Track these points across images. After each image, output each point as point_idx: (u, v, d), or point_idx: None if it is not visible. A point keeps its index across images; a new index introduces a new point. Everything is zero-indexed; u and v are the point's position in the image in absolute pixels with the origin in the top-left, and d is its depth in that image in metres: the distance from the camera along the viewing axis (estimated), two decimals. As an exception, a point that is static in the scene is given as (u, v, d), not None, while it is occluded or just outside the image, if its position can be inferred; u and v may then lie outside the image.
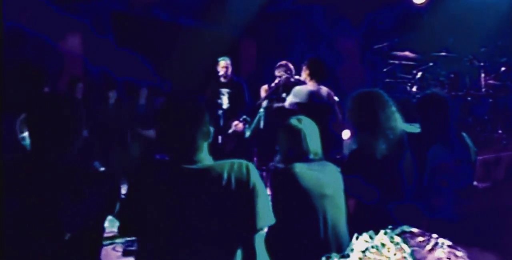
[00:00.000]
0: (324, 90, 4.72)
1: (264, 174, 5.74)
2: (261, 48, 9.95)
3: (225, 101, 6.44)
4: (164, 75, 7.96)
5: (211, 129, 1.92)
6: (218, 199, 1.77)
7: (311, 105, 4.53)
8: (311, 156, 2.59)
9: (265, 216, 1.83)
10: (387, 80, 7.17)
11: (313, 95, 4.59)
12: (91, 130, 6.65)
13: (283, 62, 6.36)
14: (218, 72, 6.49)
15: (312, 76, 4.71)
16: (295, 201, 2.43)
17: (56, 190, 1.72)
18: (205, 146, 1.89)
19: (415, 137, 2.87)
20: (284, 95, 5.92)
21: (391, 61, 7.14)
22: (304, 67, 4.77)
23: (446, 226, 2.56)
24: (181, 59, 8.09)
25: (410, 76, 6.87)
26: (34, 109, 1.83)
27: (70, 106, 1.85)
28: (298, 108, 4.68)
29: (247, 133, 5.15)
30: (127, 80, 7.38)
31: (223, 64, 6.50)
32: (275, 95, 6.15)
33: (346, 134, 5.51)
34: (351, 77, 8.15)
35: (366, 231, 2.50)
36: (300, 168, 2.51)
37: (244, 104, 6.62)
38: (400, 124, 2.79)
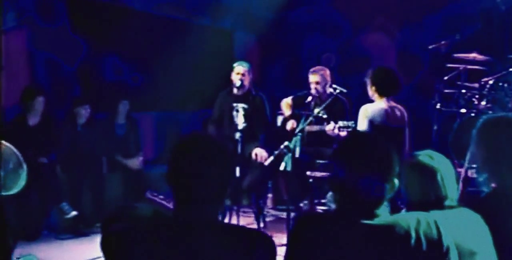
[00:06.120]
0: (398, 109, 4.96)
1: (285, 215, 5.93)
2: (264, 45, 10.16)
3: (240, 120, 6.49)
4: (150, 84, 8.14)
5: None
6: None
7: (384, 129, 4.74)
8: (448, 202, 2.84)
9: None
10: (446, 91, 7.34)
11: (385, 117, 4.80)
12: (56, 160, 6.74)
13: (318, 67, 6.64)
14: (233, 82, 6.64)
15: (380, 91, 4.93)
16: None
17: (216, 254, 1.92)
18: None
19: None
20: (317, 111, 6.13)
21: (450, 66, 7.27)
22: (368, 81, 4.98)
23: None
24: (163, 60, 8.22)
25: (477, 85, 7.03)
26: (180, 158, 2.00)
27: (222, 152, 2.03)
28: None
29: (288, 165, 5.34)
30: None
31: (240, 71, 6.62)
32: (307, 111, 6.38)
33: None
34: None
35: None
36: (438, 218, 2.74)
37: (266, 124, 6.81)
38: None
